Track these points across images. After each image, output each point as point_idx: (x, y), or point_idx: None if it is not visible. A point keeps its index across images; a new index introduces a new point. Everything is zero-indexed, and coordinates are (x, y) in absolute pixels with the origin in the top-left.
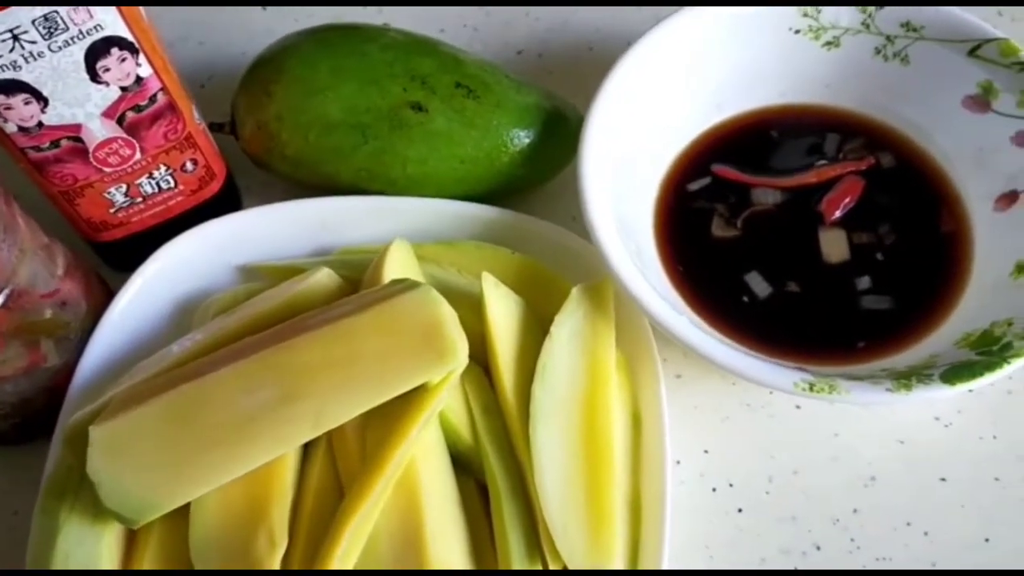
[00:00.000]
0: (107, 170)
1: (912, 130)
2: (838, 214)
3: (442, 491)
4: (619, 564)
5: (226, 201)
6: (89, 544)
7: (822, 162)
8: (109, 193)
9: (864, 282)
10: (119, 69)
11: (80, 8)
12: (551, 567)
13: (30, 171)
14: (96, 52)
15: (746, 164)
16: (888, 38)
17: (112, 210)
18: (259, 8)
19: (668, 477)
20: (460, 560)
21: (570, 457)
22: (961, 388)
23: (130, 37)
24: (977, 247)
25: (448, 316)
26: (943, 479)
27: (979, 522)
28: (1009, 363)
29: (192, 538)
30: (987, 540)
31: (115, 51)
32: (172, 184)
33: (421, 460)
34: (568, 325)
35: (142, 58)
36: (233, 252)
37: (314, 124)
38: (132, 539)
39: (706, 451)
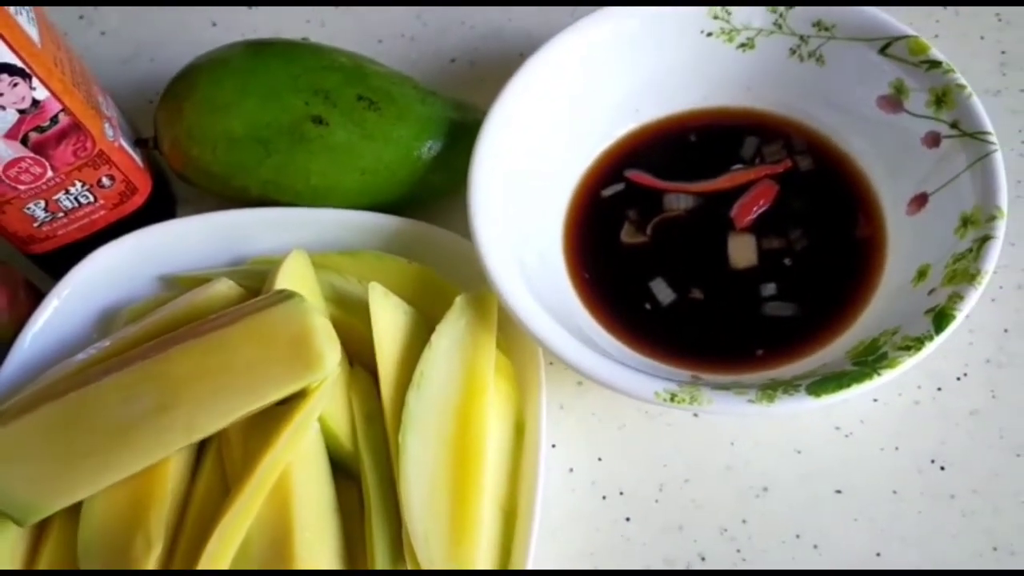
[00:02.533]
0: (22, 187)
1: (830, 132)
2: (749, 219)
3: (316, 497)
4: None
5: (156, 213)
6: None
7: (738, 166)
8: (29, 209)
9: (769, 289)
10: (12, 93)
11: None
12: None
13: None
14: None
15: (662, 169)
16: (802, 38)
17: (36, 224)
18: (210, 25)
19: (540, 486)
20: (329, 566)
21: (438, 466)
22: (827, 400)
23: (18, 63)
24: (890, 253)
25: (318, 326)
26: (838, 491)
27: (872, 536)
28: (879, 375)
29: (80, 538)
30: (878, 555)
31: (5, 77)
32: (92, 199)
33: (297, 466)
34: (448, 335)
35: (36, 82)
36: (155, 263)
37: (220, 139)
38: (36, 537)
39: (600, 459)
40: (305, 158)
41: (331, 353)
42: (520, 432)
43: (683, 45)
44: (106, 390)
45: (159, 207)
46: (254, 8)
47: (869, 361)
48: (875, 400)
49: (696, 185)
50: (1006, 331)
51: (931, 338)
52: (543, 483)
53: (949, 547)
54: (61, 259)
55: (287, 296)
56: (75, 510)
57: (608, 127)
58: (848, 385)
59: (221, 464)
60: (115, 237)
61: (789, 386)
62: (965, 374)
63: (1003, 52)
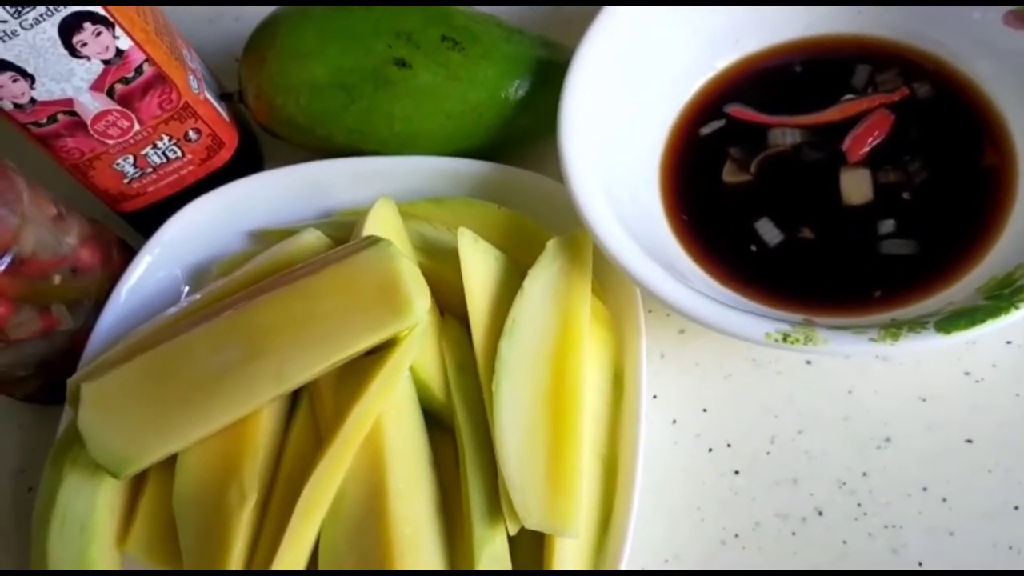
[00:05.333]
0: (110, 142)
1: (951, 56)
2: (864, 152)
3: (410, 448)
4: (581, 523)
5: (244, 168)
6: (86, 496)
7: (849, 96)
8: (118, 165)
9: (887, 226)
10: (96, 43)
11: None
12: (509, 525)
13: (41, 147)
14: (69, 27)
15: (766, 103)
16: None
17: (125, 181)
18: None
19: (642, 436)
20: (424, 517)
21: (534, 415)
22: (958, 338)
23: (101, 11)
24: (1021, 182)
25: (406, 271)
26: (969, 440)
27: (1007, 488)
28: (1017, 308)
29: (175, 491)
30: (1016, 508)
31: (88, 25)
32: (179, 154)
33: (389, 417)
34: (541, 279)
35: (119, 31)
36: (243, 217)
37: (304, 87)
38: (133, 492)
39: (705, 410)
40: (389, 103)
41: (420, 299)
42: (619, 381)
43: None
44: (195, 341)
45: (247, 162)
46: None
47: (1005, 295)
48: (1008, 342)
49: (803, 118)
50: None
51: None
52: (644, 434)
53: None
54: (152, 216)
55: (373, 242)
56: (170, 465)
57: (706, 60)
58: (982, 320)
59: (313, 416)
60: (204, 193)
61: (915, 324)
62: None
63: None
